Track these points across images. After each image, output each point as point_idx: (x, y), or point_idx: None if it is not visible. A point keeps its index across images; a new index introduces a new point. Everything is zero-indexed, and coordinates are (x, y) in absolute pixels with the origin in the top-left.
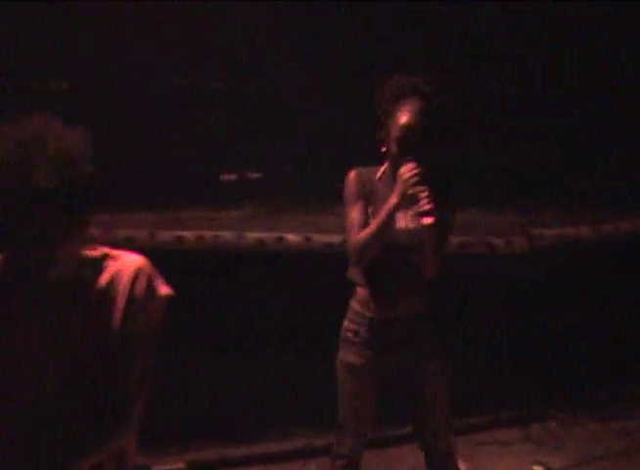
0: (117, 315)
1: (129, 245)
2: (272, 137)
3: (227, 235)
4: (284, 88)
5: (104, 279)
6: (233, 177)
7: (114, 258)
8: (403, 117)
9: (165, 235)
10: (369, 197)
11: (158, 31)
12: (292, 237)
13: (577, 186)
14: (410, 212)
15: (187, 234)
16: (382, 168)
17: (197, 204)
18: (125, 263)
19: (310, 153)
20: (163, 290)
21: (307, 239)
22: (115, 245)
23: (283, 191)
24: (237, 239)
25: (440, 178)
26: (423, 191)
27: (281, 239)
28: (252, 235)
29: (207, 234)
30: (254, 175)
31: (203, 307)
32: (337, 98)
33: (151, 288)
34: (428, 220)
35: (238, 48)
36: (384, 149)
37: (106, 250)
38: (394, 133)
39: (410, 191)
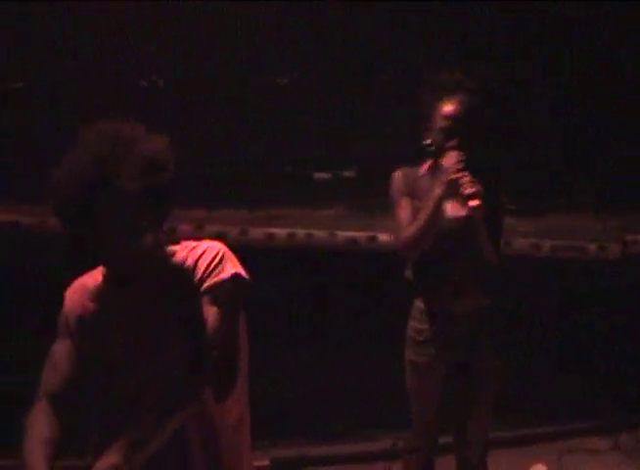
0: (185, 295)
1: (220, 241)
2: (366, 136)
3: (319, 233)
4: (380, 87)
5: (178, 266)
6: (327, 176)
7: (191, 246)
8: (448, 107)
9: (257, 232)
10: (414, 194)
11: (258, 31)
12: (384, 237)
13: None
14: (457, 199)
15: (279, 231)
16: (425, 165)
17: (290, 202)
18: (202, 247)
19: (405, 151)
20: (237, 269)
21: None
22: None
23: (377, 190)
24: (329, 237)
25: (487, 170)
26: (465, 176)
27: (373, 238)
28: (345, 234)
29: (299, 232)
30: (348, 174)
31: (292, 304)
32: None
33: (219, 262)
34: (473, 203)
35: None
36: (428, 143)
37: (186, 242)
38: (439, 123)
39: (453, 177)
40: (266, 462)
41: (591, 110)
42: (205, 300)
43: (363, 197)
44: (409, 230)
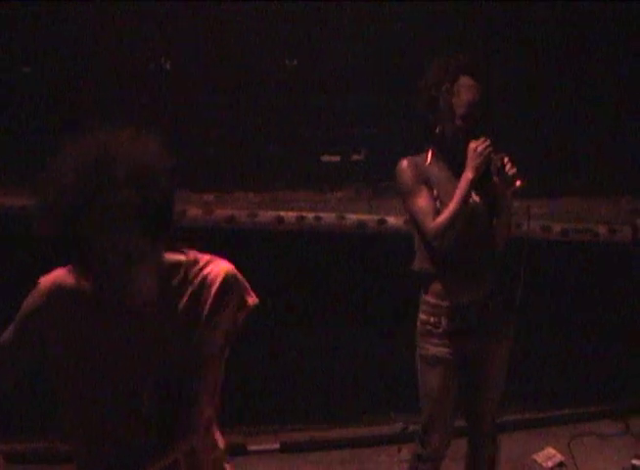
0: (202, 325)
1: (230, 224)
2: (376, 118)
3: (328, 216)
4: (391, 68)
5: (192, 287)
6: (336, 158)
7: (201, 264)
8: (469, 94)
9: (266, 215)
10: (427, 182)
11: (266, 12)
12: (393, 220)
13: None
14: (497, 180)
15: (288, 215)
16: (428, 154)
17: (299, 185)
18: (213, 272)
19: (415, 134)
20: (250, 300)
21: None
22: (216, 224)
23: (386, 173)
24: (338, 221)
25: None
26: (504, 157)
27: (382, 221)
28: (354, 217)
29: (308, 215)
30: (358, 157)
31: (301, 288)
32: None
33: (238, 298)
34: (519, 183)
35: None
36: (437, 129)
37: (193, 255)
38: (460, 110)
39: (492, 160)
40: (276, 446)
41: (603, 89)
42: (214, 330)
43: (372, 180)
44: (440, 220)
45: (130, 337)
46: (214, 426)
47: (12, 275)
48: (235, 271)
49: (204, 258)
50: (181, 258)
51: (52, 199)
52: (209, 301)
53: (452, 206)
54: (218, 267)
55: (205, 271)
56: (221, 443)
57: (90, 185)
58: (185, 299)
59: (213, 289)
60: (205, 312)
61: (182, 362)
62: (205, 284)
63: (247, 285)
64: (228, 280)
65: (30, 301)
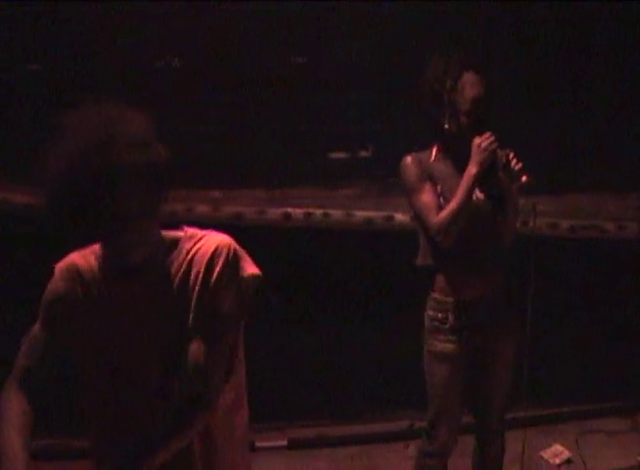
0: (196, 296)
1: (237, 221)
2: (383, 115)
3: (336, 213)
4: (397, 65)
5: (187, 260)
6: (344, 155)
7: (197, 238)
8: (474, 90)
9: (274, 212)
10: (431, 178)
11: (273, 9)
12: (400, 216)
13: None
14: (502, 175)
15: (296, 211)
16: (433, 150)
17: (307, 181)
18: (207, 243)
19: (422, 130)
20: (249, 269)
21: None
22: (224, 221)
23: (394, 169)
24: (345, 217)
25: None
26: (509, 153)
27: (390, 218)
28: (361, 214)
29: (316, 212)
30: (365, 153)
31: (308, 285)
32: None
33: (231, 267)
34: (525, 178)
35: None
36: (446, 125)
37: (191, 230)
38: (464, 106)
39: (497, 156)
40: (284, 442)
41: (607, 86)
42: (222, 298)
43: (379, 176)
44: (444, 215)
45: (136, 312)
46: (239, 411)
47: (13, 272)
48: (230, 242)
49: (201, 233)
50: (180, 234)
51: (72, 169)
52: (202, 271)
53: (455, 201)
54: (213, 239)
55: (200, 244)
56: (243, 430)
57: (108, 152)
58: (182, 271)
59: (205, 259)
60: (199, 283)
61: (186, 335)
62: (198, 255)
63: (246, 257)
64: (220, 250)
65: (50, 287)
